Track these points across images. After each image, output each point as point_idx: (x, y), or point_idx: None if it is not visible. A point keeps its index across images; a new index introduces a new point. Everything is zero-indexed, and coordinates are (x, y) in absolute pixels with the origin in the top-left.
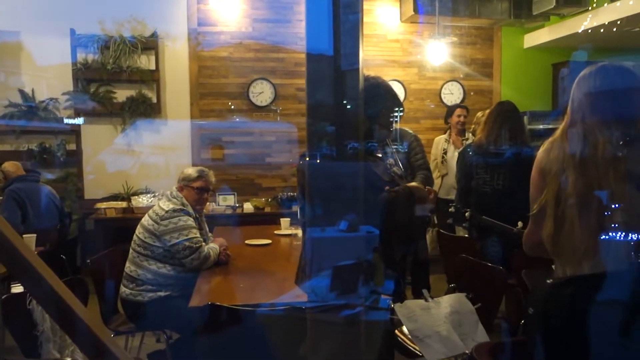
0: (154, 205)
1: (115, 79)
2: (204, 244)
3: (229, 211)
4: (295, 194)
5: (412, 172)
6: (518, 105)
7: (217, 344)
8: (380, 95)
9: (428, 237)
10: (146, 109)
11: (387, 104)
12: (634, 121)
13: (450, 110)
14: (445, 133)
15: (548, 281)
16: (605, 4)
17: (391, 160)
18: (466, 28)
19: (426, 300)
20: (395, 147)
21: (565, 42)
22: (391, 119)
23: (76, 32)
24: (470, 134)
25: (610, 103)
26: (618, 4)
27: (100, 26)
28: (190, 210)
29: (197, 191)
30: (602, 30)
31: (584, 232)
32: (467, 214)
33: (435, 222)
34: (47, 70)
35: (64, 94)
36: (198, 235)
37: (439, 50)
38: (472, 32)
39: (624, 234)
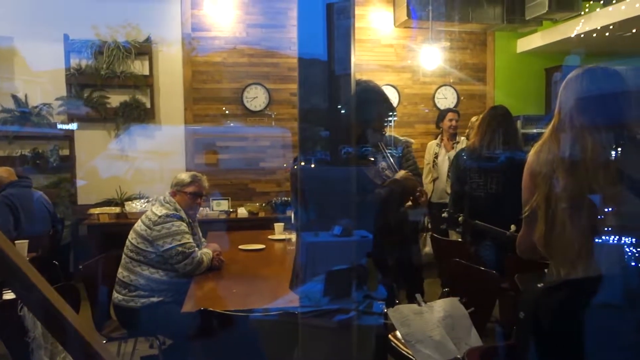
0: (147, 211)
1: (109, 84)
2: (197, 249)
3: (223, 216)
4: (289, 198)
5: None
6: (511, 110)
7: (210, 349)
8: (372, 100)
9: (421, 241)
10: (140, 114)
11: (379, 108)
12: (621, 123)
13: (442, 114)
14: (437, 138)
15: (539, 285)
16: (598, 9)
17: (384, 164)
18: (459, 33)
19: (419, 304)
20: (389, 151)
21: (558, 47)
22: (383, 123)
23: (69, 38)
24: (464, 138)
25: (597, 105)
26: (610, 8)
27: (94, 31)
28: (183, 216)
29: (190, 196)
30: (594, 35)
31: (575, 234)
32: (460, 218)
33: (429, 226)
34: (41, 75)
35: (57, 99)
36: (191, 240)
37: (432, 55)
38: (466, 37)
39: (614, 235)
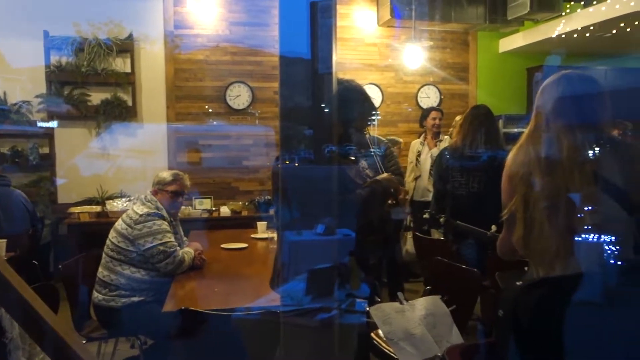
0: (128, 210)
1: (90, 82)
2: (178, 248)
3: (206, 215)
4: (272, 197)
5: None
6: (493, 109)
7: (192, 349)
8: (353, 99)
9: (402, 240)
10: (121, 112)
11: (361, 107)
12: (596, 126)
13: (425, 113)
14: (420, 136)
15: (518, 283)
16: (578, 10)
17: (364, 163)
18: (442, 32)
19: (401, 303)
20: (373, 150)
21: (540, 47)
22: (365, 123)
23: (50, 34)
24: (447, 137)
25: (573, 110)
26: (591, 9)
27: (75, 28)
28: (165, 214)
29: (171, 195)
30: (575, 35)
31: (553, 235)
32: (441, 219)
33: (411, 225)
34: (20, 72)
35: (37, 96)
36: (173, 239)
37: (415, 54)
38: (448, 36)
39: (592, 235)
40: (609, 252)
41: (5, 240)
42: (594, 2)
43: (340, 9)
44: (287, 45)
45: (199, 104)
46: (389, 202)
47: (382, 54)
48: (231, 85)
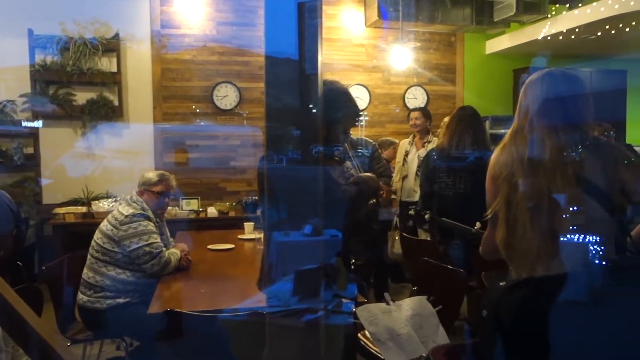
0: (113, 210)
1: (76, 81)
2: (164, 249)
3: (193, 215)
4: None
5: None
6: (480, 110)
7: (178, 350)
8: (337, 100)
9: (391, 241)
10: (107, 111)
11: (344, 109)
12: (579, 126)
13: (409, 113)
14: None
15: (501, 284)
16: (564, 12)
17: (348, 164)
18: (429, 34)
19: (388, 303)
20: (360, 151)
21: (526, 49)
22: (348, 124)
23: (34, 33)
24: (435, 138)
25: (557, 108)
26: (576, 12)
27: (61, 27)
28: (151, 215)
29: (157, 195)
30: (560, 37)
31: (535, 236)
32: (426, 215)
33: (398, 225)
34: (4, 71)
35: (21, 95)
36: (158, 240)
37: (403, 56)
38: (435, 37)
39: (574, 236)
40: (591, 252)
41: None
42: (580, 5)
43: (327, 10)
44: (273, 45)
45: (186, 104)
46: (371, 201)
47: (369, 55)
48: (218, 85)
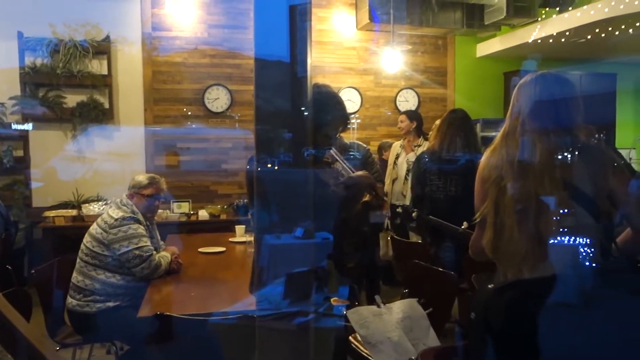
0: (103, 214)
1: (66, 84)
2: (154, 252)
3: (184, 218)
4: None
5: None
6: (471, 113)
7: (168, 354)
8: (325, 104)
9: (383, 242)
10: (98, 114)
11: (333, 113)
12: (570, 129)
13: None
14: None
15: (490, 286)
16: (554, 16)
17: (339, 166)
18: (420, 37)
19: (378, 306)
20: (352, 154)
21: (516, 52)
22: (337, 128)
23: (24, 35)
24: (425, 142)
25: (549, 111)
26: (566, 15)
27: (51, 29)
28: (141, 218)
29: (147, 199)
30: (550, 40)
31: (522, 239)
32: (414, 213)
33: (389, 227)
34: None
35: (10, 98)
36: (149, 243)
37: (394, 58)
38: (427, 40)
39: (562, 239)
40: (578, 255)
41: None
42: (569, 8)
43: (319, 13)
44: (263, 47)
45: (177, 106)
46: (367, 197)
47: (361, 58)
48: (209, 88)
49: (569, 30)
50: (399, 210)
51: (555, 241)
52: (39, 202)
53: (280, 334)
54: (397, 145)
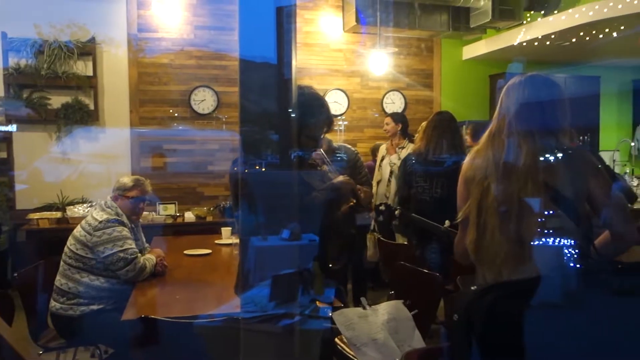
0: (87, 216)
1: (50, 85)
2: (139, 255)
3: (170, 220)
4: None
5: None
6: (456, 115)
7: (153, 357)
8: (309, 106)
9: (370, 244)
10: (83, 115)
11: (316, 115)
12: (556, 132)
13: None
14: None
15: (472, 288)
16: (539, 19)
17: (326, 168)
18: (407, 39)
19: (364, 307)
20: (339, 156)
21: (502, 55)
22: (320, 130)
23: (8, 36)
24: (410, 143)
25: (536, 113)
26: (550, 19)
27: (36, 30)
28: (125, 221)
29: (132, 201)
30: (536, 43)
31: (503, 240)
32: (396, 212)
33: (375, 228)
34: None
35: None
36: (133, 246)
37: (380, 61)
38: (413, 43)
39: (542, 241)
40: (558, 257)
41: None
42: (555, 12)
43: (305, 15)
44: (247, 49)
45: (163, 108)
46: (349, 203)
47: (348, 60)
48: (196, 89)
49: (553, 33)
50: (382, 208)
51: (536, 243)
52: (22, 205)
53: (265, 336)
54: (383, 147)
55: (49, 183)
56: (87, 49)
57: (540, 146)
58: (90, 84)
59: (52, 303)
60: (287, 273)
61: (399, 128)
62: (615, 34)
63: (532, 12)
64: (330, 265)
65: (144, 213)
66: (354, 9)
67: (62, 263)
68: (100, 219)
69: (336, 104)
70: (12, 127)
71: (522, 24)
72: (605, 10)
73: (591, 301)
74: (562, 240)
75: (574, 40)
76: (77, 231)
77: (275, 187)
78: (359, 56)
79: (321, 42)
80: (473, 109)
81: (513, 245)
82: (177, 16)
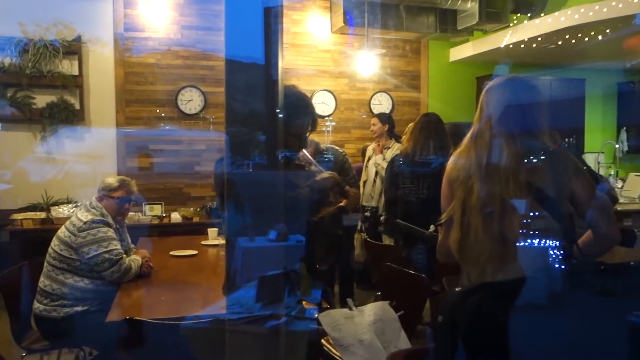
0: (72, 216)
1: (35, 84)
2: (124, 256)
3: (156, 221)
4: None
5: None
6: (443, 117)
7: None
8: (294, 105)
9: (357, 244)
10: (68, 115)
11: (302, 113)
12: (537, 133)
13: None
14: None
15: (457, 289)
16: (525, 22)
17: (314, 168)
18: (394, 41)
19: (350, 308)
20: (326, 157)
21: (488, 57)
22: (305, 130)
23: None
24: (397, 144)
25: (516, 114)
26: (537, 21)
27: (21, 28)
28: (111, 221)
29: (117, 201)
30: (522, 45)
31: (487, 241)
32: (382, 217)
33: (362, 229)
34: None
35: None
36: (118, 247)
37: (368, 62)
38: (401, 44)
39: (525, 241)
40: (541, 258)
41: None
42: (541, 15)
43: (293, 15)
44: (233, 49)
45: (149, 108)
46: (337, 204)
47: (335, 61)
48: (183, 89)
49: (540, 36)
50: (367, 214)
51: (520, 243)
52: (6, 205)
53: (251, 337)
54: (370, 148)
55: (33, 183)
56: (73, 48)
57: (520, 147)
58: (75, 83)
59: (36, 304)
60: (274, 274)
61: (386, 129)
62: (600, 37)
63: (518, 14)
64: (318, 266)
65: (130, 214)
66: (342, 10)
67: (46, 264)
68: (85, 220)
69: (324, 104)
70: None
71: (508, 26)
72: (591, 13)
73: (574, 301)
74: (545, 240)
75: (560, 43)
76: (62, 232)
77: (262, 188)
78: (347, 57)
79: (309, 43)
80: (460, 111)
81: (496, 244)
82: (163, 16)
